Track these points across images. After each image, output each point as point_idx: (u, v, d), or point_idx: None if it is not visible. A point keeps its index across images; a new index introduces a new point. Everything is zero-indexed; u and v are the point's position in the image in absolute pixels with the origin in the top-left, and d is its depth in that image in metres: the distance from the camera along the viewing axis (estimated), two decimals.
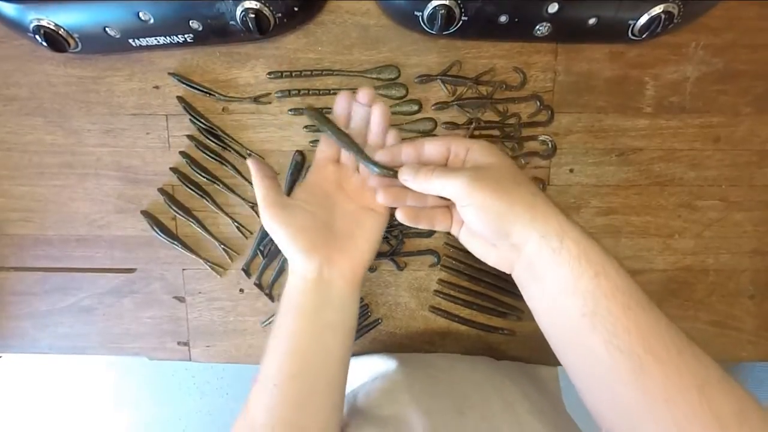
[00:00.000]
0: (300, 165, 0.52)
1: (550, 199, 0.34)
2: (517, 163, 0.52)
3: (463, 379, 0.49)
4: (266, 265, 0.55)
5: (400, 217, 0.38)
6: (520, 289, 0.36)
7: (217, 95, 0.50)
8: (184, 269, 0.55)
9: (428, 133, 0.51)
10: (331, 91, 0.50)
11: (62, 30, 0.44)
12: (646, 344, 0.29)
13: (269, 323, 0.57)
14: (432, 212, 0.39)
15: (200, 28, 0.45)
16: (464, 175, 0.33)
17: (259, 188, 0.38)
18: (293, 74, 0.50)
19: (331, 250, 0.38)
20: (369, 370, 0.53)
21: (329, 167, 0.41)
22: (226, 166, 0.52)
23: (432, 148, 0.37)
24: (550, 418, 0.43)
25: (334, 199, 0.40)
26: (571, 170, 0.52)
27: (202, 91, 0.50)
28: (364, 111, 0.40)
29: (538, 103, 0.51)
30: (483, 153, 0.36)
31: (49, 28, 0.43)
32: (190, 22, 0.44)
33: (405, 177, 0.36)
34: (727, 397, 0.28)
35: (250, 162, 0.39)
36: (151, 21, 0.44)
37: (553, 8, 0.43)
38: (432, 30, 0.45)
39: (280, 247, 0.38)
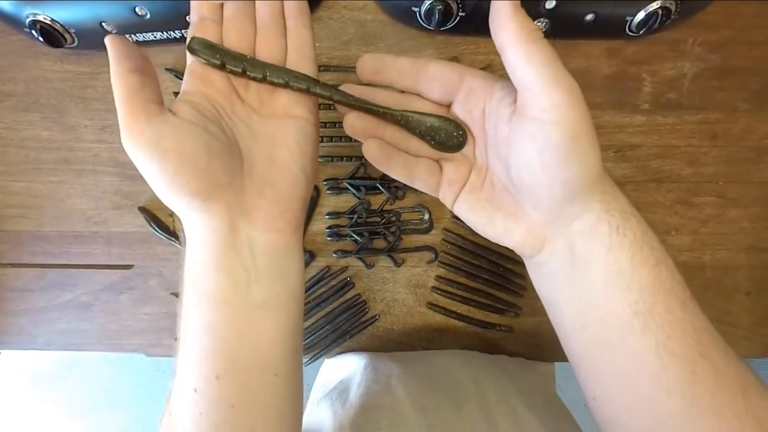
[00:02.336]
0: None
1: None
2: None
3: (459, 373, 0.49)
4: None
5: (368, 151, 0.29)
6: (537, 277, 0.30)
7: None
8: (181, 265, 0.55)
9: None
10: None
11: (58, 25, 0.44)
12: (701, 347, 0.24)
13: None
14: (412, 161, 0.30)
15: None
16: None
17: (120, 85, 0.24)
18: None
19: (244, 192, 0.26)
20: (359, 363, 0.53)
21: (213, 74, 0.27)
22: None
23: (439, 71, 0.28)
24: (546, 410, 0.44)
25: (232, 114, 0.27)
26: None
27: None
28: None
29: None
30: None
31: (45, 23, 0.43)
32: (187, 17, 0.44)
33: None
34: (766, 402, 0.24)
35: (107, 40, 0.24)
36: (148, 16, 0.44)
37: (550, 4, 0.43)
38: (429, 26, 0.45)
39: (157, 192, 0.24)
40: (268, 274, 0.26)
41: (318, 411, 0.47)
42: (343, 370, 0.53)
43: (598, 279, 0.26)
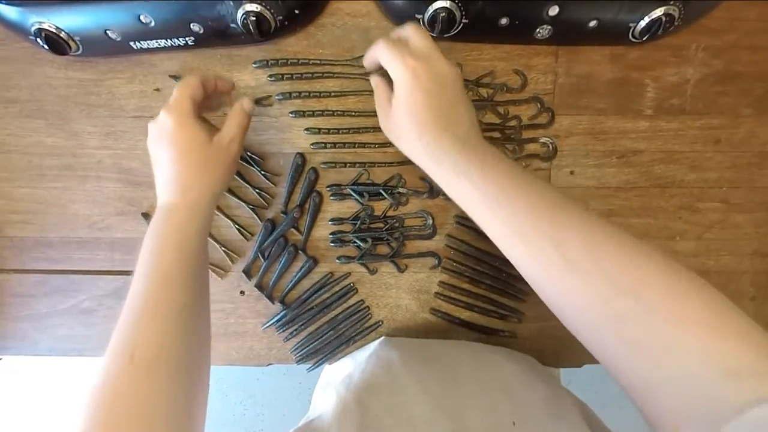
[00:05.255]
0: (301, 167, 0.52)
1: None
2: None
3: (458, 354, 0.50)
4: (267, 267, 0.55)
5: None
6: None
7: None
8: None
9: None
10: (332, 94, 0.50)
11: (63, 33, 0.44)
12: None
13: (270, 326, 0.57)
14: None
15: (201, 31, 0.45)
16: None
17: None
18: (294, 77, 0.50)
19: None
20: (362, 351, 0.54)
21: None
22: None
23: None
24: (543, 390, 0.44)
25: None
26: (572, 172, 0.52)
27: None
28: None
29: (539, 106, 0.51)
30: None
31: (50, 31, 0.43)
32: (191, 24, 0.44)
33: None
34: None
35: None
36: (152, 24, 0.44)
37: (553, 11, 0.43)
38: (433, 33, 0.45)
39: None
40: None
41: (323, 397, 0.47)
42: (347, 367, 0.54)
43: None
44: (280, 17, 0.44)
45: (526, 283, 0.52)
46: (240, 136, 0.43)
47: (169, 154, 0.40)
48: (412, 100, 0.36)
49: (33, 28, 0.43)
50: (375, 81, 0.42)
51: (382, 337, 0.55)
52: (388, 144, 0.51)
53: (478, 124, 0.39)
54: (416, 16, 0.44)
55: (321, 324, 0.57)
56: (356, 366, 0.50)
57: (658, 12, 0.43)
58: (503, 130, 0.51)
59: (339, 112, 0.51)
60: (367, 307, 0.56)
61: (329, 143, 0.51)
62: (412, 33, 0.38)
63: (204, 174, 0.41)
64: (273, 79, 0.50)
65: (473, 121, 0.39)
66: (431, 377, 0.43)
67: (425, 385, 0.42)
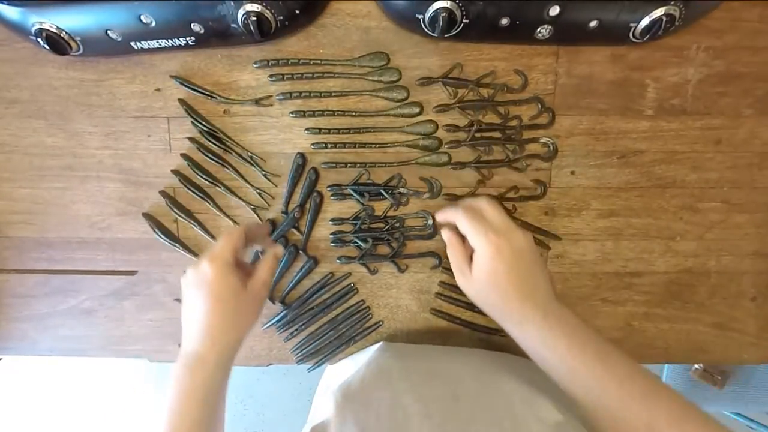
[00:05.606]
0: (301, 167, 0.52)
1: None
2: (519, 166, 0.52)
3: (460, 368, 0.49)
4: None
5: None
6: None
7: (218, 98, 0.51)
8: (185, 272, 0.55)
9: (429, 136, 0.51)
10: (333, 94, 0.50)
11: (64, 33, 0.44)
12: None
13: (270, 326, 0.57)
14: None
15: (202, 31, 0.45)
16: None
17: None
18: (294, 77, 0.50)
19: None
20: (363, 357, 0.53)
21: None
22: (228, 169, 0.52)
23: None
24: (550, 406, 0.43)
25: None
26: (573, 172, 0.52)
27: (203, 93, 0.50)
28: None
29: (540, 106, 0.51)
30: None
31: (51, 31, 0.43)
32: (192, 25, 0.44)
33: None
34: None
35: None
36: (153, 24, 0.44)
37: (554, 11, 0.43)
38: (433, 33, 0.45)
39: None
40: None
41: (321, 404, 0.47)
42: (347, 371, 0.53)
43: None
44: (281, 17, 0.44)
45: None
46: (271, 280, 0.47)
47: (205, 304, 0.42)
48: (495, 272, 0.41)
49: (34, 28, 0.43)
50: (448, 236, 0.45)
51: (381, 342, 0.55)
52: (389, 144, 0.51)
53: (552, 285, 0.43)
54: (417, 15, 0.44)
55: (321, 324, 0.57)
56: (356, 371, 0.50)
57: (659, 12, 0.43)
58: (504, 130, 0.51)
59: (339, 112, 0.51)
60: (368, 307, 0.56)
61: (330, 143, 0.51)
62: (486, 206, 0.43)
63: (235, 323, 0.43)
64: (274, 79, 0.50)
65: (549, 284, 0.43)
66: (432, 397, 0.43)
67: (427, 406, 0.41)
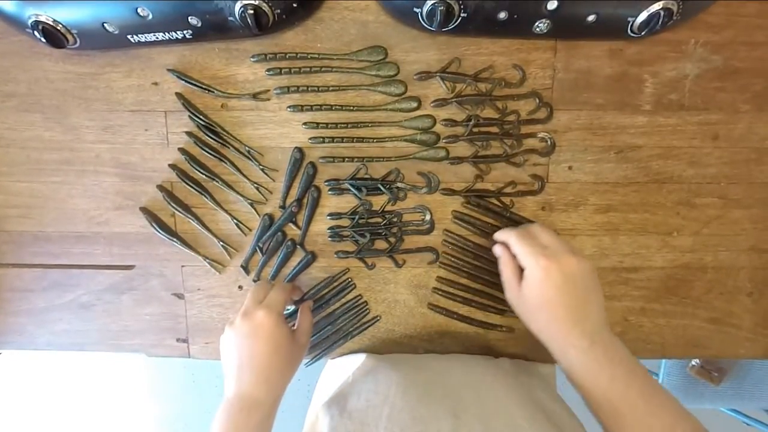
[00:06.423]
0: (299, 162, 0.52)
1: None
2: (516, 161, 0.52)
3: (459, 381, 0.49)
4: (265, 261, 0.55)
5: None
6: None
7: (215, 92, 0.50)
8: (183, 266, 0.55)
9: (427, 130, 0.51)
10: (330, 88, 0.50)
11: (61, 26, 0.44)
12: None
13: None
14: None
15: (199, 25, 0.45)
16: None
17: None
18: (292, 71, 0.50)
19: None
20: (360, 369, 0.53)
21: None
22: (225, 163, 0.52)
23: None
24: (547, 417, 0.43)
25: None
26: (570, 167, 0.52)
27: (200, 87, 0.50)
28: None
29: (537, 101, 0.51)
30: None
31: (47, 23, 0.43)
32: (189, 18, 0.44)
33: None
34: None
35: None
36: (150, 17, 0.44)
37: (552, 5, 0.43)
38: (431, 27, 0.45)
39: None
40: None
41: (317, 417, 0.47)
42: (343, 375, 0.53)
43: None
44: (279, 11, 0.44)
45: None
46: (311, 331, 0.52)
47: (265, 349, 0.45)
48: (543, 295, 0.42)
49: (30, 21, 0.43)
50: (499, 252, 0.47)
51: (373, 356, 0.55)
52: (386, 139, 0.51)
53: (606, 316, 0.43)
54: (414, 9, 0.44)
55: (319, 319, 0.57)
56: (352, 383, 0.50)
57: (657, 6, 0.43)
58: (502, 125, 0.51)
59: (337, 107, 0.51)
60: (365, 302, 0.56)
61: (327, 138, 0.51)
62: (539, 231, 0.45)
63: (288, 370, 0.47)
64: (271, 73, 0.50)
65: (602, 313, 0.43)
66: (431, 417, 0.42)
67: (426, 427, 0.41)
